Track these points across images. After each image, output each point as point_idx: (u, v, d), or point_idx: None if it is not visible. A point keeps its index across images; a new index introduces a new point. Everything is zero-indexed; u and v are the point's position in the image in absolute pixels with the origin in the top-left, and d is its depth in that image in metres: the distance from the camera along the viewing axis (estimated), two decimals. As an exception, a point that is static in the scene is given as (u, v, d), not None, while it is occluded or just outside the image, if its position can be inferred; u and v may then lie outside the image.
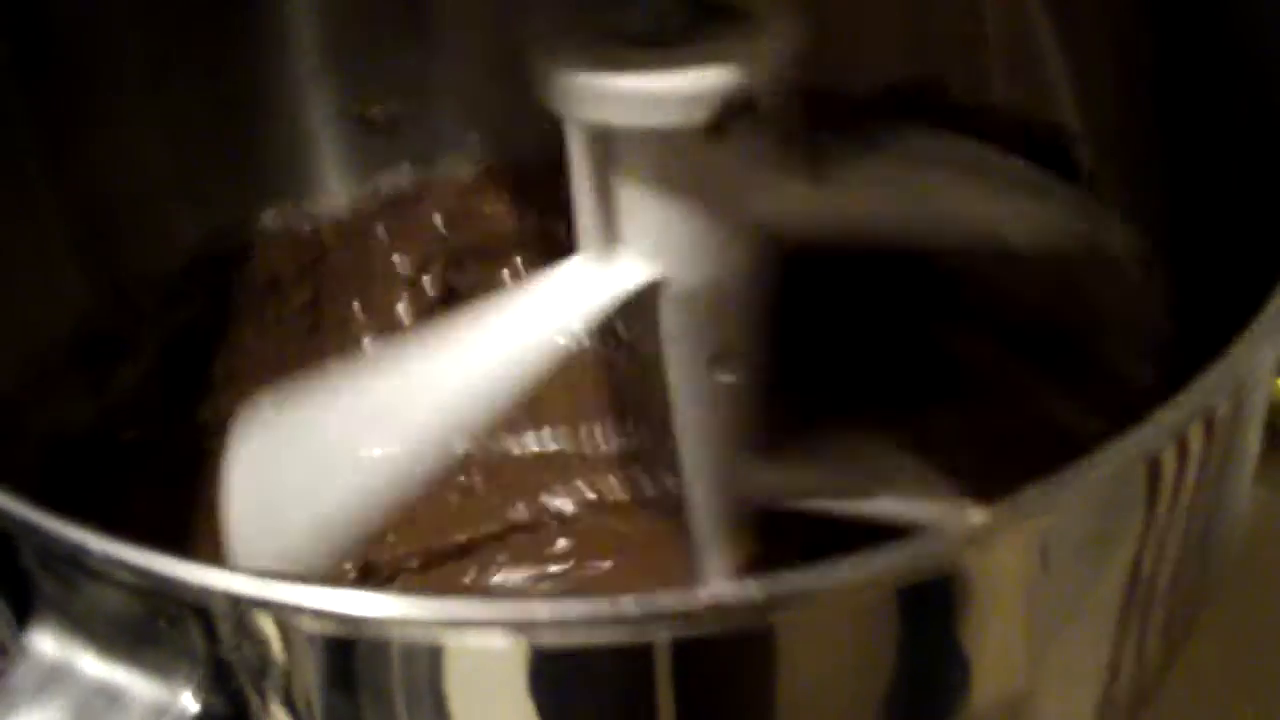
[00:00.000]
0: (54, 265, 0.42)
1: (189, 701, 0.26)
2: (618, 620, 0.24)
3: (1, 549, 0.27)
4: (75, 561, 0.26)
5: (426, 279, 0.49)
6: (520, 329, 0.35)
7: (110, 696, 0.26)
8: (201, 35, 0.43)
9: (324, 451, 0.34)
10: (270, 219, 0.46)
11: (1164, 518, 0.29)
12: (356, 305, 0.48)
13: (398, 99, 0.47)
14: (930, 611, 0.27)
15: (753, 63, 0.33)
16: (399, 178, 0.48)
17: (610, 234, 0.35)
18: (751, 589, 0.24)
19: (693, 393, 0.38)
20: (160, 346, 0.44)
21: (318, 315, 0.48)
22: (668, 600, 0.24)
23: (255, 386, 0.45)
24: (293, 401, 0.35)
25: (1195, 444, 0.29)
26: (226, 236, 0.45)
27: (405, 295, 0.48)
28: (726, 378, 0.38)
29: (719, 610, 0.24)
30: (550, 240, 0.47)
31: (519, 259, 0.49)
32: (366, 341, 0.48)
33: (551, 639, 0.25)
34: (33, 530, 0.26)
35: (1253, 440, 0.32)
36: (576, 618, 0.24)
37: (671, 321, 0.37)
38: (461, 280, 0.48)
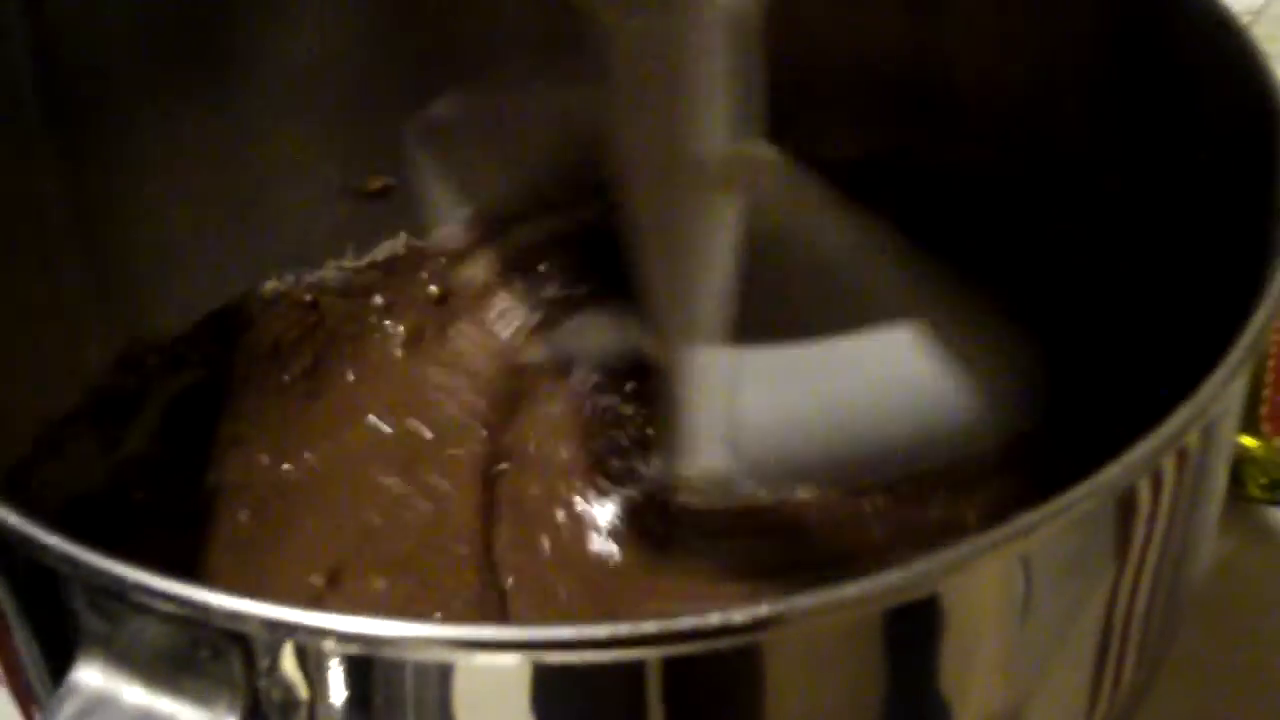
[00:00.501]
0: (71, 328, 0.44)
1: (229, 727, 0.28)
2: (611, 642, 0.26)
3: (49, 589, 0.29)
4: (122, 596, 0.27)
5: (418, 344, 0.51)
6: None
7: (154, 725, 0.28)
8: (208, 112, 0.45)
9: None
10: (271, 286, 0.48)
11: (1140, 546, 0.31)
12: (351, 375, 0.50)
13: (393, 172, 0.49)
14: (915, 636, 0.28)
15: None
16: (395, 245, 0.50)
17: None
18: (735, 615, 0.26)
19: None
20: (165, 408, 0.46)
21: (316, 381, 0.49)
22: (658, 623, 0.26)
23: (257, 451, 0.47)
24: None
25: (1168, 476, 0.31)
26: (231, 302, 0.47)
27: (400, 357, 0.50)
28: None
29: (706, 632, 0.26)
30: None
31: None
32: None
33: (551, 658, 0.26)
34: (84, 567, 0.27)
35: (1221, 472, 0.34)
36: (572, 639, 0.26)
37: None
38: (458, 342, 0.50)
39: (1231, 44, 0.37)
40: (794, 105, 0.41)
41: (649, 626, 0.26)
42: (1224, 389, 0.31)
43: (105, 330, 0.45)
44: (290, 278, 0.48)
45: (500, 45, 0.49)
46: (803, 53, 0.47)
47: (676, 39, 0.38)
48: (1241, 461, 0.58)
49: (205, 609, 0.27)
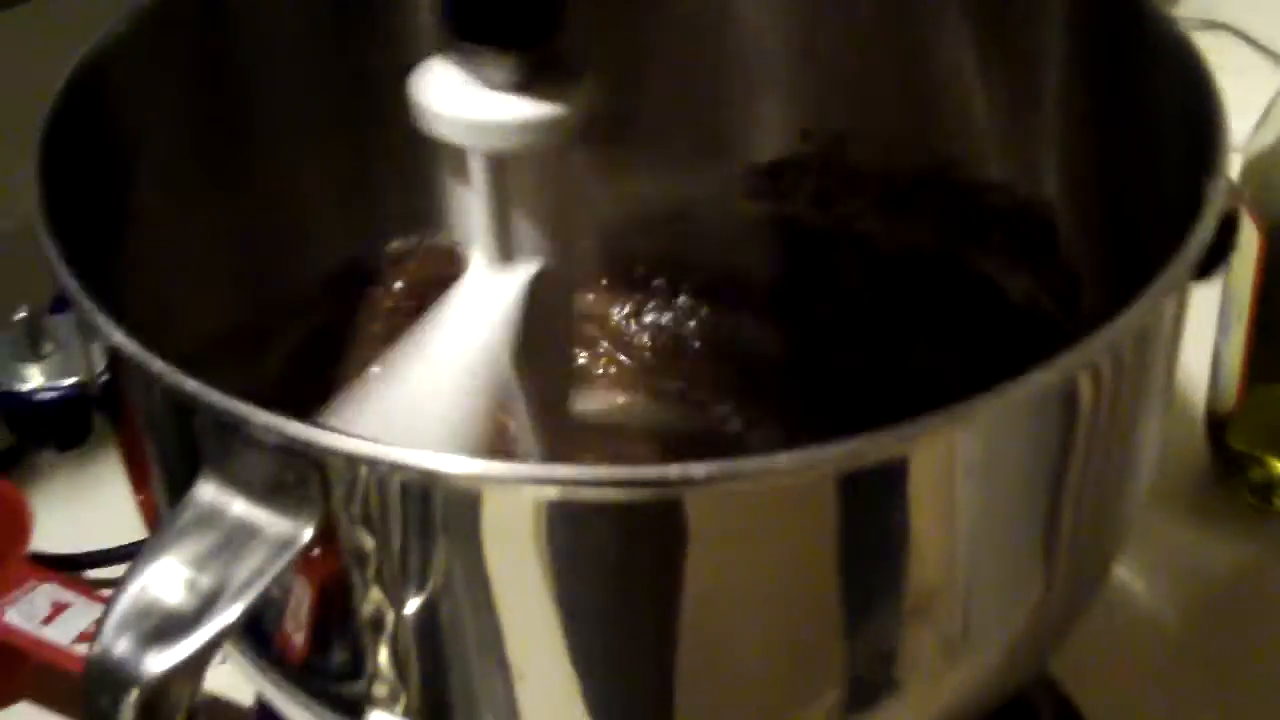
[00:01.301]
0: (222, 275, 0.52)
1: (308, 535, 0.35)
2: (613, 483, 0.33)
3: (184, 422, 0.37)
4: (236, 428, 0.35)
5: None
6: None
7: (251, 531, 0.36)
8: (341, 91, 0.54)
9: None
10: (396, 246, 0.57)
11: (1082, 438, 0.37)
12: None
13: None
14: (870, 498, 0.35)
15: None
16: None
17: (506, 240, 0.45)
18: (704, 468, 0.33)
19: None
20: (297, 348, 0.54)
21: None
22: (649, 471, 0.33)
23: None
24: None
25: (1106, 373, 0.37)
26: (357, 256, 0.56)
27: None
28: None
29: (679, 482, 0.33)
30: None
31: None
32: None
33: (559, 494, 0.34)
34: (210, 404, 0.35)
35: (1156, 396, 0.41)
36: (577, 478, 0.34)
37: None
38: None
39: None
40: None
41: (643, 471, 0.33)
42: (1153, 305, 0.37)
43: (252, 276, 0.54)
44: (414, 238, 0.56)
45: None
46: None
47: None
48: (1273, 483, 0.64)
49: (296, 439, 0.35)
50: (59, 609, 0.57)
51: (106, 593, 0.58)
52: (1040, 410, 0.36)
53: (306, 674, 0.41)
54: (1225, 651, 0.60)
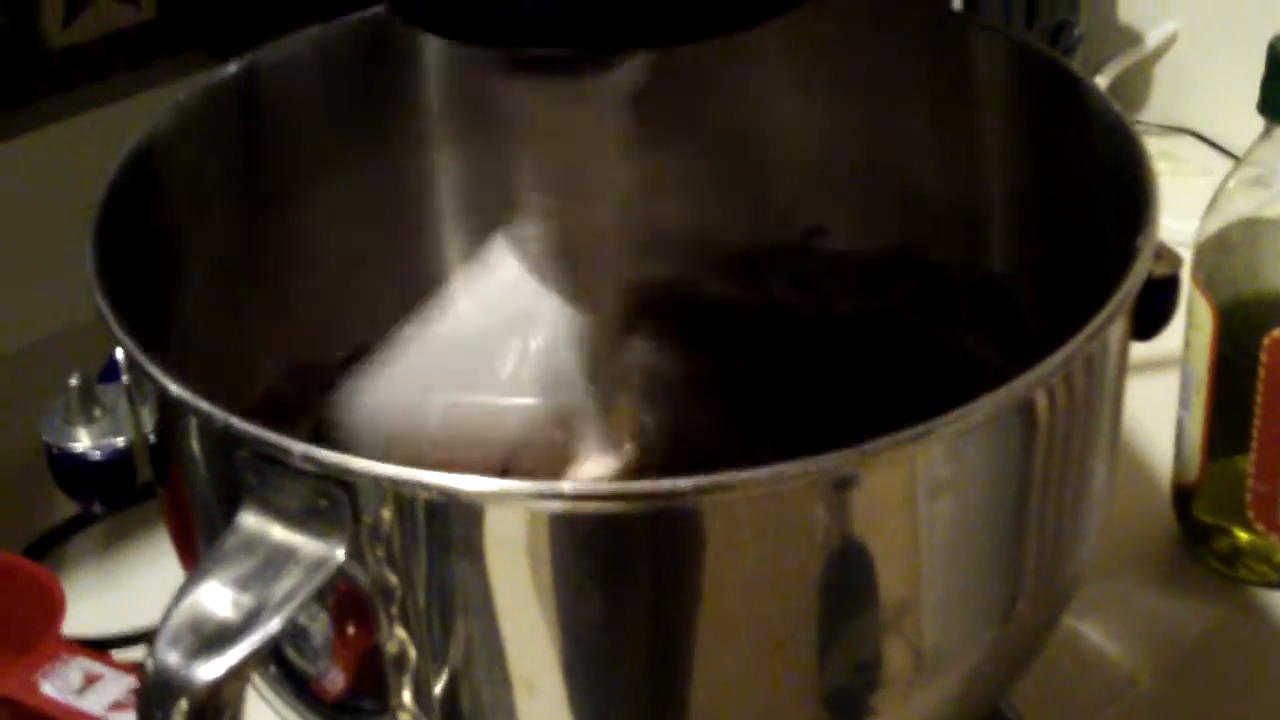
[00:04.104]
0: (257, 347, 0.57)
1: (340, 556, 0.39)
2: (611, 497, 0.38)
3: (224, 458, 0.41)
4: (275, 460, 0.39)
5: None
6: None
7: (289, 553, 0.40)
8: (369, 181, 0.59)
9: None
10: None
11: (1040, 458, 0.42)
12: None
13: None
14: (844, 509, 0.39)
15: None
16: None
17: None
18: (693, 481, 0.38)
19: None
20: (315, 422, 0.58)
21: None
22: (645, 485, 0.38)
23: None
24: None
25: (1060, 394, 0.41)
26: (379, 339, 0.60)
27: None
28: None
29: (670, 494, 0.37)
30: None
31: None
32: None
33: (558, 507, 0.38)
34: (250, 439, 0.40)
35: (1105, 415, 0.45)
36: (576, 493, 0.38)
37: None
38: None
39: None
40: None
41: (617, 487, 0.38)
42: (1100, 329, 0.42)
43: (278, 356, 0.58)
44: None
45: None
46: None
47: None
48: (1238, 551, 0.68)
49: (331, 466, 0.39)
50: (91, 680, 0.60)
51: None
52: (1004, 425, 0.41)
53: (337, 708, 0.44)
54: (1195, 709, 0.63)
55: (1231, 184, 0.63)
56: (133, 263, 0.48)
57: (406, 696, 0.42)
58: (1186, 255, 0.53)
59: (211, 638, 0.38)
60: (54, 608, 0.62)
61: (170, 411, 0.43)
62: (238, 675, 0.38)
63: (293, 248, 0.57)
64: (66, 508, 0.71)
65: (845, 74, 0.56)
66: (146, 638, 0.64)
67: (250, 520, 0.40)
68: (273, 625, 0.38)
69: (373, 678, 0.43)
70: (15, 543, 0.70)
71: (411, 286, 0.60)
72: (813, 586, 0.40)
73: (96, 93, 0.83)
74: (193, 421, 0.42)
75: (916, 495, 0.40)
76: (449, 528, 0.39)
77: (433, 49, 0.58)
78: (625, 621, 0.40)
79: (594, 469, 0.55)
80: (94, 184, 0.48)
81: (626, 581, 0.39)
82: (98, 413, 0.47)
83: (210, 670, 0.38)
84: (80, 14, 0.82)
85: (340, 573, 0.40)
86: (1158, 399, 0.69)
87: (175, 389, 0.41)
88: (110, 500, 0.48)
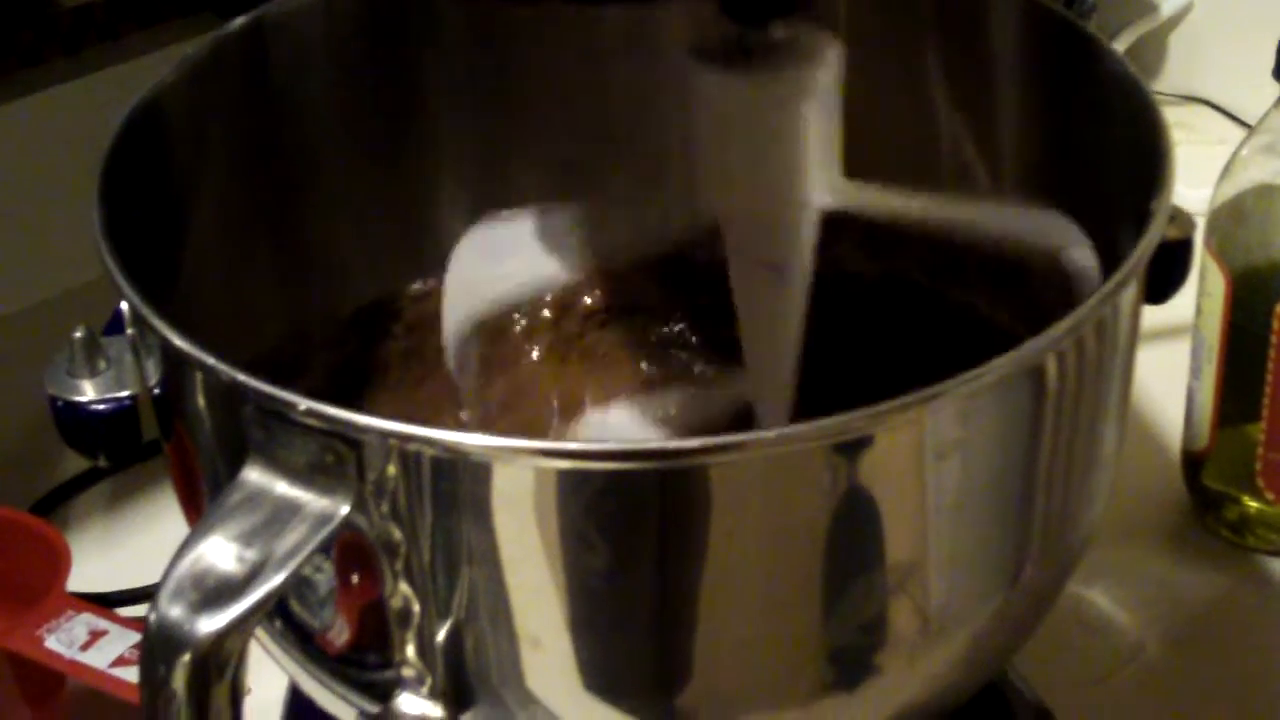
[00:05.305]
0: (262, 303, 0.56)
1: (345, 511, 0.39)
2: (619, 456, 0.37)
3: (229, 412, 0.41)
4: (281, 415, 0.39)
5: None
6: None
7: (293, 508, 0.39)
8: (379, 153, 0.58)
9: None
10: (417, 287, 0.61)
11: (1050, 420, 0.41)
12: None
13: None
14: (853, 471, 0.39)
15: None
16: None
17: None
18: (702, 441, 0.37)
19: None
20: (326, 373, 0.58)
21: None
22: (653, 445, 0.37)
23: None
24: None
25: (1070, 358, 0.41)
26: (384, 296, 0.60)
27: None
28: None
29: (679, 453, 0.37)
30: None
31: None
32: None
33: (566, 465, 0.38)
34: (256, 393, 0.39)
35: (1117, 378, 0.45)
36: (584, 451, 0.38)
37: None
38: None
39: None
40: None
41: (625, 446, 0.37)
42: (1111, 293, 0.42)
43: (289, 309, 0.58)
44: (434, 280, 0.61)
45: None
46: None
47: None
48: (1246, 519, 0.67)
49: (336, 420, 0.39)
50: (96, 636, 0.60)
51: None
52: (1013, 389, 0.40)
53: (341, 661, 0.44)
54: (1203, 677, 0.63)
55: (1245, 151, 0.63)
56: (138, 215, 0.47)
57: (410, 651, 0.42)
58: (1200, 225, 0.53)
59: (215, 592, 0.38)
60: (59, 564, 0.62)
61: (175, 365, 0.43)
62: (241, 629, 0.38)
63: (299, 203, 0.57)
64: (72, 465, 0.72)
65: (858, 35, 0.55)
66: (151, 594, 0.64)
67: (255, 475, 0.40)
68: (276, 580, 0.38)
69: (377, 632, 0.42)
70: (21, 499, 0.70)
71: (420, 240, 0.60)
72: (820, 546, 0.40)
73: (106, 53, 0.83)
74: (198, 375, 0.42)
75: (925, 458, 0.40)
76: (456, 485, 0.39)
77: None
78: (631, 580, 0.40)
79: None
80: (103, 144, 0.48)
81: (633, 540, 0.39)
82: (102, 365, 0.47)
83: (213, 624, 0.38)
84: (90, -26, 0.82)
85: (345, 527, 0.39)
86: (1169, 367, 0.69)
87: (180, 342, 0.41)
88: (114, 453, 0.48)
